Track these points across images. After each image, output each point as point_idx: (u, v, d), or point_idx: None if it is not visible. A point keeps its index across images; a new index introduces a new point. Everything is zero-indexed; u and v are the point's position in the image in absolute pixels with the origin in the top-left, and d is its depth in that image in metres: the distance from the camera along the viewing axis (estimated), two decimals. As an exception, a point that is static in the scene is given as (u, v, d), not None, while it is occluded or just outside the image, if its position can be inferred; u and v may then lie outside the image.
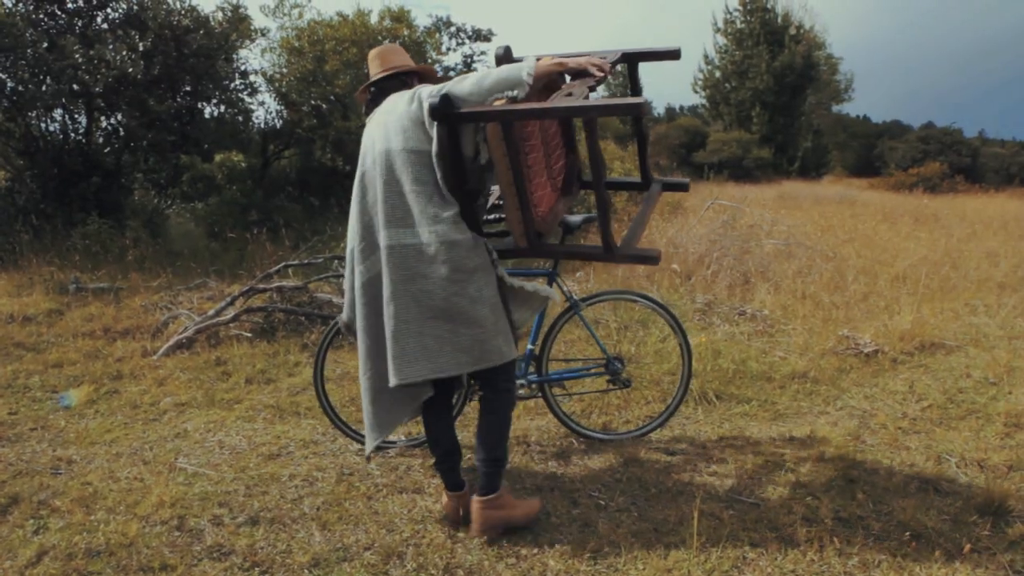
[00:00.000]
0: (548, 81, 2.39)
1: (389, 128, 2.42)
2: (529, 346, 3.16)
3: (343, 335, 2.97)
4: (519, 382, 3.19)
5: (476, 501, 2.49)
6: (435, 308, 2.36)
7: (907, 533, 2.47)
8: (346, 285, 2.66)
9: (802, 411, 3.71)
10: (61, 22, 8.15)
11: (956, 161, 24.27)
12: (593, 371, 3.32)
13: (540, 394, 3.25)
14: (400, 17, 10.62)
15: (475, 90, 2.28)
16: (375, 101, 2.59)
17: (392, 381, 2.40)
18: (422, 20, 24.71)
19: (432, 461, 2.73)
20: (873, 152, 31.66)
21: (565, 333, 4.97)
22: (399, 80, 2.58)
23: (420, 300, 2.37)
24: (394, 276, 2.37)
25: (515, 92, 2.26)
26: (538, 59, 2.35)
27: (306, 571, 2.31)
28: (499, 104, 2.27)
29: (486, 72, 2.32)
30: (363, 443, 3.21)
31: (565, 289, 3.14)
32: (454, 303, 2.36)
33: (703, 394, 3.83)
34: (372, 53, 2.66)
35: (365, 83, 2.66)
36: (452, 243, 2.34)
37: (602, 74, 2.39)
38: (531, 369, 3.20)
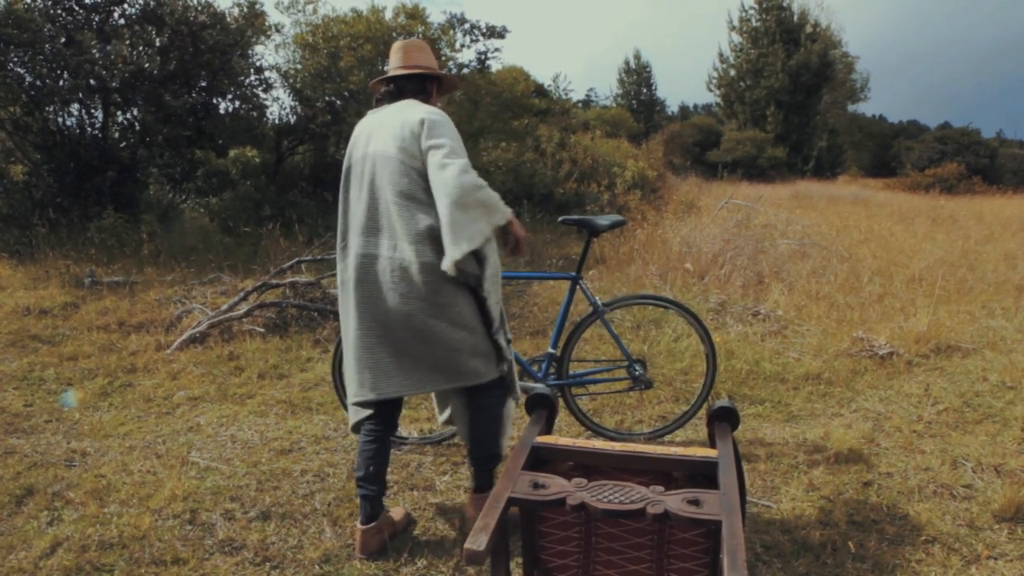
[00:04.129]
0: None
1: (387, 132, 2.29)
2: (550, 349, 3.15)
3: None
4: (537, 386, 3.18)
5: (469, 495, 2.52)
6: (411, 328, 2.25)
7: (922, 537, 2.44)
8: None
9: (816, 413, 3.68)
10: (79, 17, 8.21)
11: (974, 162, 23.97)
12: (615, 372, 3.30)
13: (559, 393, 3.24)
14: (414, 14, 10.62)
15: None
16: (392, 97, 2.44)
17: (369, 396, 2.31)
18: (436, 17, 24.74)
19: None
20: (889, 152, 31.36)
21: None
22: (419, 81, 2.45)
23: (390, 316, 2.26)
24: (362, 289, 2.29)
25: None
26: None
27: (317, 567, 2.32)
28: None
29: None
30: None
31: (589, 293, 3.12)
32: (431, 326, 2.25)
33: (716, 394, 3.80)
34: (397, 45, 2.49)
35: (383, 76, 2.49)
36: (433, 266, 2.21)
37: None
38: (551, 371, 3.18)
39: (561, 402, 3.28)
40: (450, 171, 2.14)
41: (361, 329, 2.30)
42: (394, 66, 2.47)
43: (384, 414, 2.42)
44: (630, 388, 3.28)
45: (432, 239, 2.21)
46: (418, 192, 2.23)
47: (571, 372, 3.22)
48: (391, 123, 2.30)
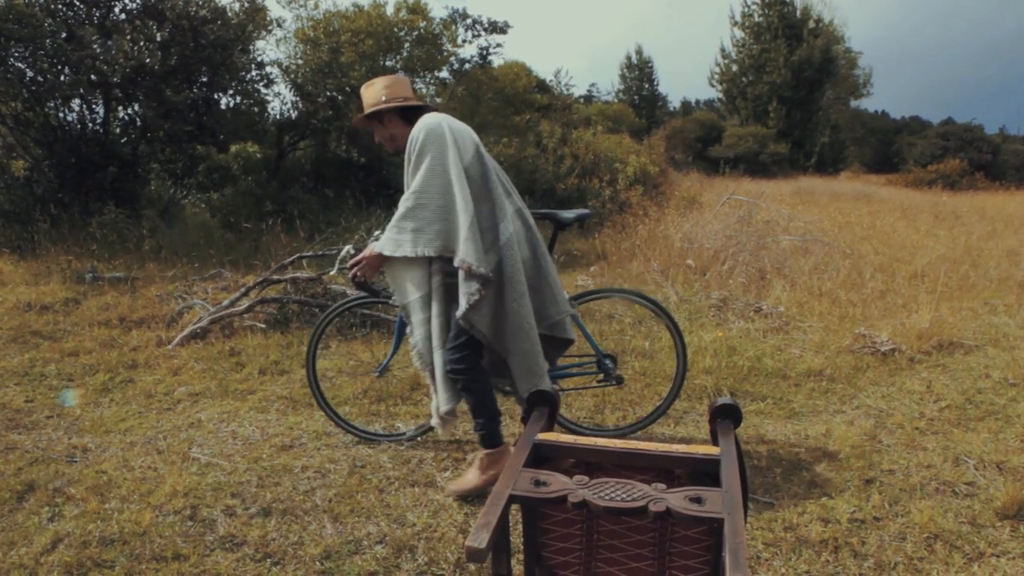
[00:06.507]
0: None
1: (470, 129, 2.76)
2: None
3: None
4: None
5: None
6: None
7: (924, 535, 2.43)
8: (478, 256, 2.54)
9: (818, 409, 3.67)
10: (79, 12, 8.19)
11: (976, 158, 23.88)
12: (585, 367, 3.28)
13: None
14: (416, 9, 10.60)
15: None
16: (408, 118, 2.76)
17: (567, 310, 2.83)
18: (438, 12, 24.65)
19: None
20: (891, 148, 31.28)
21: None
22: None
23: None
24: (531, 235, 2.77)
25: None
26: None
27: (317, 563, 2.32)
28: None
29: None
30: (356, 434, 3.29)
31: None
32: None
33: (717, 391, 3.80)
34: (398, 80, 2.79)
35: (406, 102, 2.75)
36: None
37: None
38: None
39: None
40: None
41: (539, 261, 2.78)
42: (399, 96, 2.78)
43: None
44: (600, 384, 3.26)
45: None
46: None
47: None
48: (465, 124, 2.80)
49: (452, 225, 2.56)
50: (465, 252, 2.51)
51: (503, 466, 2.55)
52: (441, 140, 2.58)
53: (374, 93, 2.74)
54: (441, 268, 2.64)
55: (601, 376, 3.22)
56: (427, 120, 2.64)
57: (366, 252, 2.69)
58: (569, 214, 3.10)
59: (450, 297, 2.66)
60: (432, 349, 2.70)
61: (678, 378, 3.29)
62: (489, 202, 2.63)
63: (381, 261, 2.67)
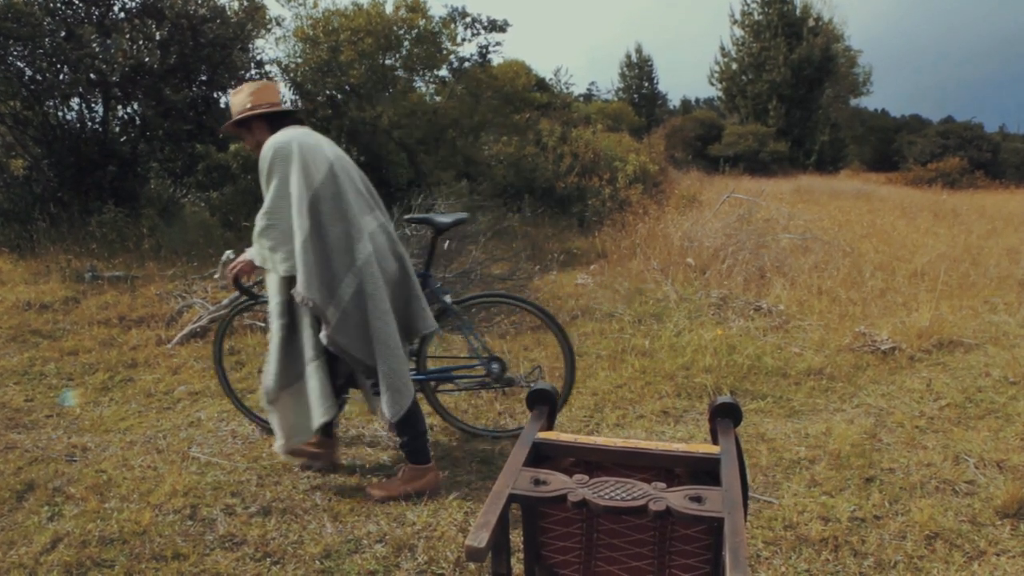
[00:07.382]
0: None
1: (330, 143, 2.75)
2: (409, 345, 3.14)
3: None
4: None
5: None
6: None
7: (924, 533, 2.43)
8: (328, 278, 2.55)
9: (818, 408, 3.67)
10: (78, 11, 8.17)
11: (976, 156, 23.86)
12: (476, 369, 3.24)
13: (420, 390, 3.17)
14: (415, 7, 10.57)
15: None
16: (298, 122, 2.77)
17: (432, 328, 2.82)
18: (437, 10, 24.61)
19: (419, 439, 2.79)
20: (891, 146, 31.22)
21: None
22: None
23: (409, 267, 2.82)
24: (398, 249, 2.76)
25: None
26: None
27: (317, 562, 2.31)
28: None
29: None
30: (264, 426, 3.32)
31: (438, 292, 3.11)
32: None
33: (717, 389, 3.80)
34: (265, 86, 2.78)
35: (286, 108, 2.81)
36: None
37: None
38: (411, 365, 3.11)
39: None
40: None
41: (409, 274, 2.78)
42: (270, 102, 2.77)
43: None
44: (486, 386, 3.24)
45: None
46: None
47: (428, 368, 3.22)
48: (325, 138, 2.76)
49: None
50: (298, 280, 2.53)
51: (426, 482, 2.74)
52: (287, 161, 2.55)
53: (240, 100, 2.72)
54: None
55: (487, 378, 3.19)
56: (277, 138, 2.60)
57: (241, 257, 2.73)
58: (446, 218, 3.11)
59: (306, 310, 2.60)
60: (304, 361, 2.64)
61: (566, 387, 3.23)
62: (344, 222, 2.56)
63: (252, 267, 2.72)
